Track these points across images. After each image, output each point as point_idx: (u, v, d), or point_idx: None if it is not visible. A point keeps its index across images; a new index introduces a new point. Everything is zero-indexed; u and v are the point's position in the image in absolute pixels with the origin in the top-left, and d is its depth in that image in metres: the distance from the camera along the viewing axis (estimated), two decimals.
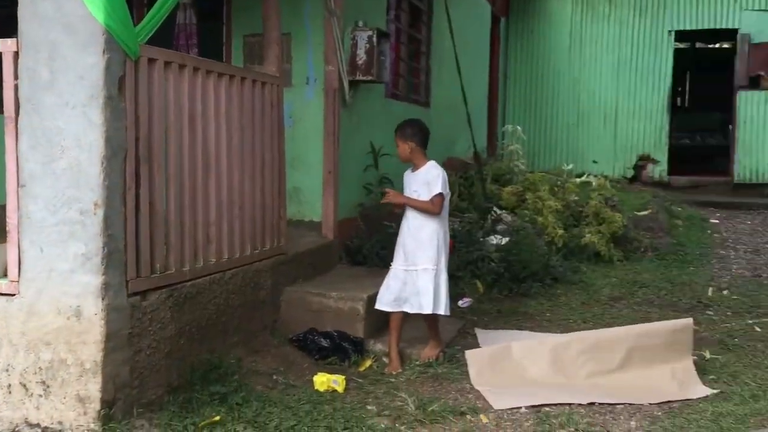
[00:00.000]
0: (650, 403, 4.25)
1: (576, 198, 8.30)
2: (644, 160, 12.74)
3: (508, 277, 6.41)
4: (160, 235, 3.80)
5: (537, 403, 4.17)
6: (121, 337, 3.47)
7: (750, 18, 12.03)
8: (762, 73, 12.00)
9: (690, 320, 4.83)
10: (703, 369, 4.72)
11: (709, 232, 9.50)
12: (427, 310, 4.72)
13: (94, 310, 3.35)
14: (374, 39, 5.99)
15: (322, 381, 4.31)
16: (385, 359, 4.85)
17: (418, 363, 4.78)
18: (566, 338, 4.84)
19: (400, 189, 5.01)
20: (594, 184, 8.55)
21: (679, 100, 16.63)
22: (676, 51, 12.92)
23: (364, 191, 6.42)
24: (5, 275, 3.51)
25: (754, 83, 12.09)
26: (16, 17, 3.41)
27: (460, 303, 6.03)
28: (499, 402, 4.19)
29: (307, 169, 6.04)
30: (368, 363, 4.78)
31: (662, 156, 12.71)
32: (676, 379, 4.49)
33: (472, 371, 4.57)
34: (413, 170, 4.89)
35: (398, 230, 4.99)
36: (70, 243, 3.35)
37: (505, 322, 5.84)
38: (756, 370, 4.72)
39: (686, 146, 14.22)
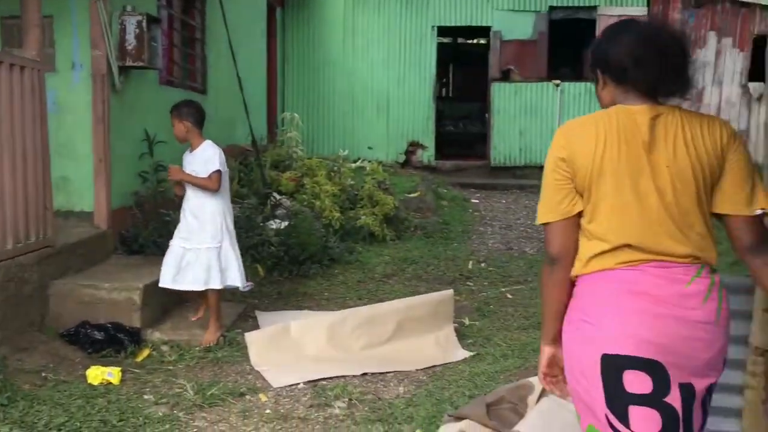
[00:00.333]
0: (417, 369, 4.50)
1: (352, 182, 8.53)
2: (414, 146, 13.33)
3: (287, 259, 6.45)
4: None
5: (314, 378, 4.26)
6: None
7: (501, 17, 12.96)
8: (512, 67, 13.01)
9: (450, 291, 5.17)
10: (462, 334, 5.07)
11: (470, 210, 10.15)
12: (210, 285, 4.74)
13: None
14: (144, 24, 5.73)
15: (96, 374, 4.10)
16: (163, 347, 4.70)
17: (198, 348, 4.69)
18: (342, 315, 4.97)
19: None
20: (368, 168, 8.82)
21: (444, 90, 17.56)
22: (440, 45, 13.63)
23: (139, 179, 6.14)
24: None
25: (505, 76, 13.07)
26: None
27: (241, 287, 5.94)
28: (277, 380, 4.22)
29: (76, 157, 5.68)
30: (146, 353, 4.61)
31: (430, 142, 13.36)
32: (440, 346, 4.79)
33: (252, 353, 4.57)
34: (191, 151, 4.84)
35: (176, 218, 4.93)
36: None
37: (285, 303, 5.89)
38: (506, 332, 5.15)
39: (451, 133, 15.06)
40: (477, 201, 10.90)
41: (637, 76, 2.01)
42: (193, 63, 8.11)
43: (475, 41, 17.13)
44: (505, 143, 13.03)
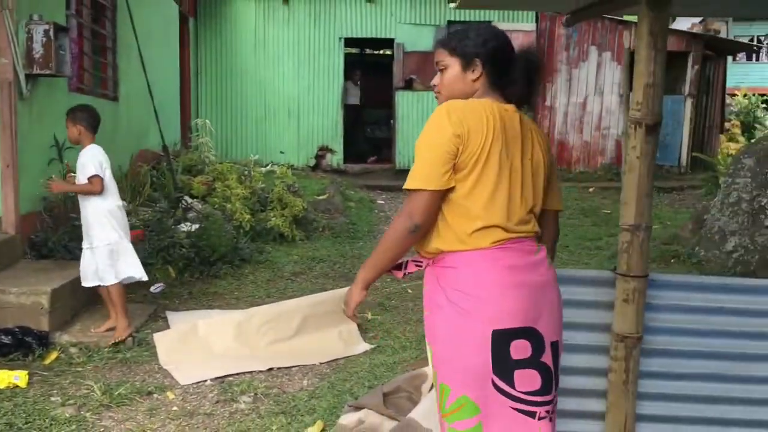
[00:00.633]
0: (321, 363, 4.50)
1: (262, 186, 8.43)
2: (323, 150, 13.30)
3: (198, 261, 6.31)
4: None
5: (221, 375, 4.20)
6: None
7: (404, 30, 13.10)
8: (414, 76, 13.16)
9: None
10: (365, 328, 5.10)
11: (376, 211, 10.21)
12: (105, 282, 4.68)
13: None
14: (51, 33, 5.50)
15: (2, 378, 3.92)
16: (72, 349, 4.52)
17: (107, 349, 4.54)
18: (248, 313, 4.91)
19: None
20: (278, 172, 8.74)
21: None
22: (349, 55, 13.64)
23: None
24: None
25: (408, 85, 13.21)
26: None
27: (152, 289, 5.81)
28: (185, 378, 4.14)
29: None
30: (54, 355, 4.42)
31: (338, 146, 13.36)
32: (342, 339, 4.80)
33: (161, 352, 4.46)
34: None
35: None
36: None
37: (196, 303, 5.76)
38: (406, 326, 5.21)
39: (360, 139, 15.11)
40: (382, 202, 10.98)
41: (517, 84, 2.18)
42: (105, 71, 7.84)
43: (381, 52, 17.24)
44: (408, 148, 13.14)
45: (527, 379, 2.07)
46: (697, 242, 7.38)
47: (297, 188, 8.73)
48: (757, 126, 20.42)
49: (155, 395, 3.91)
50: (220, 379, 4.14)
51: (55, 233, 5.67)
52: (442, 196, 2.06)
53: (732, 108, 20.92)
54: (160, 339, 4.53)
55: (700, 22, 17.27)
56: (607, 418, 2.78)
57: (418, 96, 13.17)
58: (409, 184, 2.06)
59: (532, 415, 2.08)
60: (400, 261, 2.23)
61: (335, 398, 3.87)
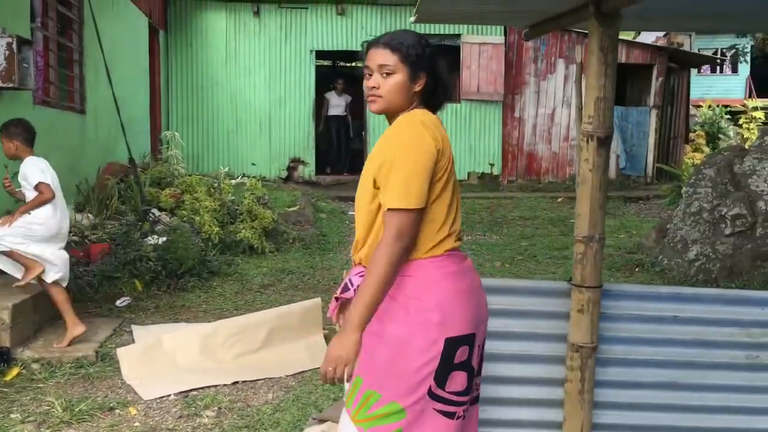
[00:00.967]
0: (287, 375, 4.46)
1: (232, 198, 8.37)
2: (295, 162, 13.28)
3: (165, 274, 6.24)
4: None
5: (185, 389, 4.15)
6: None
7: None
8: None
9: (318, 299, 5.15)
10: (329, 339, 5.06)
11: (347, 222, 10.18)
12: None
13: None
14: (14, 46, 5.43)
15: None
16: (34, 365, 4.44)
17: (69, 365, 4.46)
18: (215, 325, 4.86)
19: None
20: (248, 184, 8.68)
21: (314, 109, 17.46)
22: (322, 67, 13.65)
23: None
24: None
25: None
26: None
27: (118, 302, 5.75)
28: (148, 393, 4.08)
29: None
30: (15, 371, 4.33)
31: (310, 158, 13.34)
32: (309, 351, 4.76)
33: (124, 367, 4.40)
34: None
35: None
36: None
37: (162, 316, 5.69)
38: None
39: (332, 149, 15.02)
40: (354, 213, 10.94)
41: (446, 98, 2.22)
42: (72, 84, 7.75)
43: (353, 64, 17.26)
44: None
45: (457, 381, 2.08)
46: (660, 251, 7.47)
47: (267, 200, 8.69)
48: (721, 136, 20.79)
49: (117, 411, 3.85)
50: (184, 394, 4.09)
51: None
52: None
53: (697, 119, 21.29)
54: (123, 354, 4.47)
55: (665, 36, 17.57)
56: (564, 427, 2.80)
57: None
58: (396, 203, 1.99)
59: (451, 415, 2.08)
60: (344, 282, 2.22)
61: (300, 411, 3.84)
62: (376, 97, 2.12)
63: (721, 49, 25.66)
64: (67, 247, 5.77)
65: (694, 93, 19.71)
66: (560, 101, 13.79)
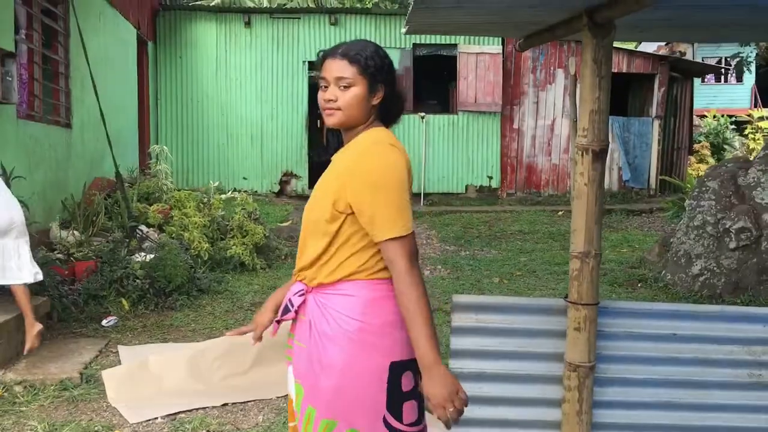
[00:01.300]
0: (277, 396, 4.44)
1: (222, 213, 8.39)
2: (288, 175, 13.30)
3: (153, 292, 6.23)
4: None
5: (173, 412, 4.13)
6: None
7: None
8: None
9: None
10: None
11: None
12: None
13: None
14: None
15: None
16: (16, 388, 4.42)
17: (53, 387, 4.45)
18: (202, 346, 4.85)
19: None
20: (238, 199, 8.71)
21: (319, 122, 17.60)
22: (312, 79, 13.71)
23: None
24: None
25: None
26: None
27: (104, 322, 5.74)
28: (135, 416, 4.07)
29: None
30: None
31: (303, 171, 13.38)
32: None
33: (110, 389, 4.38)
34: None
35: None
36: None
37: (150, 336, 5.68)
38: None
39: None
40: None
41: (402, 112, 2.23)
42: (57, 97, 7.79)
43: None
44: None
45: (410, 411, 2.07)
46: (663, 266, 7.49)
47: (259, 215, 8.70)
48: (727, 147, 20.90)
49: None
50: (172, 417, 4.08)
51: None
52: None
53: (701, 129, 21.40)
54: (109, 376, 4.46)
55: (666, 45, 17.70)
56: None
57: None
58: (396, 232, 1.98)
59: None
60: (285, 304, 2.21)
61: None
62: (334, 110, 2.08)
63: (725, 57, 25.81)
64: (52, 265, 5.81)
65: (698, 103, 19.84)
66: (560, 112, 13.86)
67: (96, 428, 3.89)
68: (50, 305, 5.42)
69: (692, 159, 17.69)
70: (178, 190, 8.82)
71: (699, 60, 21.37)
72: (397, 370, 2.03)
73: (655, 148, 14.07)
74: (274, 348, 4.82)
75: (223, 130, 13.07)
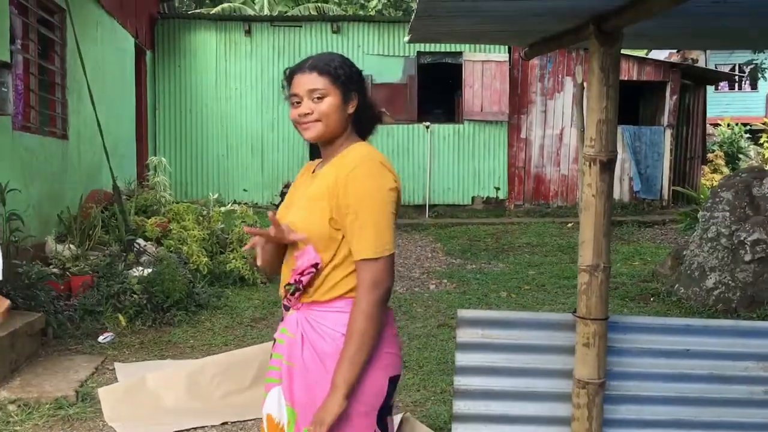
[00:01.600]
0: None
1: (221, 226, 8.41)
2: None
3: (150, 307, 6.25)
4: None
5: (171, 431, 4.14)
6: None
7: (372, 61, 13.29)
8: (383, 109, 13.29)
9: None
10: None
11: None
12: None
13: None
14: None
15: None
16: (10, 407, 4.43)
17: (48, 405, 4.46)
18: (202, 362, 4.85)
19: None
20: (238, 212, 8.74)
21: None
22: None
23: None
24: None
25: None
26: None
27: (100, 339, 5.75)
28: None
29: None
30: None
31: None
32: None
33: (106, 408, 4.38)
34: None
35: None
36: None
37: (147, 353, 5.69)
38: None
39: None
40: None
41: (378, 122, 2.27)
42: (53, 108, 7.84)
43: None
44: None
45: (391, 424, 2.15)
46: (676, 279, 7.48)
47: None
48: (741, 157, 20.89)
49: None
50: None
51: None
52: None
53: (715, 138, 21.41)
54: (105, 393, 4.46)
55: (678, 52, 17.73)
56: None
57: (387, 129, 13.30)
58: (374, 253, 2.00)
59: None
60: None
61: None
62: (311, 122, 2.10)
63: (739, 64, 25.87)
64: (48, 280, 5.84)
65: (712, 111, 19.85)
66: (569, 121, 13.88)
67: None
68: (45, 321, 5.43)
69: (706, 169, 17.69)
70: (177, 203, 8.86)
71: (712, 67, 21.41)
72: (391, 385, 2.09)
73: (667, 157, 14.08)
74: None
75: (223, 141, 13.13)
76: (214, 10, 20.66)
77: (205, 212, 8.45)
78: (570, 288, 7.92)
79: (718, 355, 2.86)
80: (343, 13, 20.80)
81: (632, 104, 14.70)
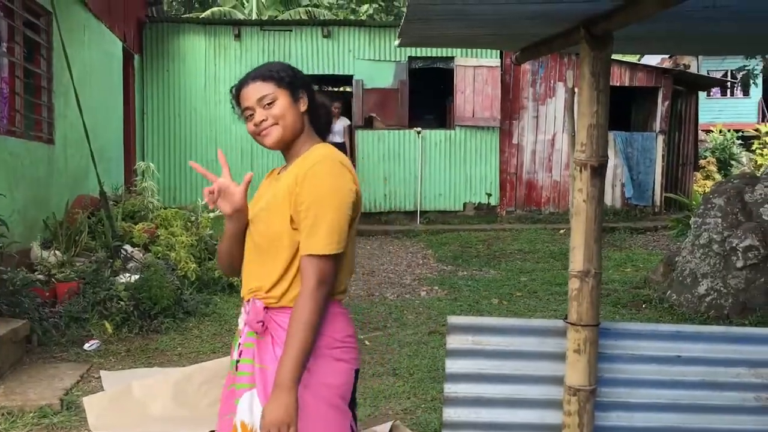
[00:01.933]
0: None
1: (211, 232, 8.39)
2: None
3: (137, 314, 6.22)
4: None
5: None
6: None
7: (362, 66, 13.31)
8: (374, 114, 13.31)
9: None
10: None
11: None
12: None
13: None
14: None
15: None
16: None
17: (32, 414, 4.43)
18: (188, 371, 4.83)
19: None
20: None
21: None
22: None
23: None
24: None
25: (369, 123, 13.35)
26: None
27: (86, 346, 5.71)
28: None
29: None
30: None
31: None
32: None
33: (91, 417, 4.35)
34: None
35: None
36: None
37: (134, 361, 5.66)
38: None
39: None
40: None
41: (330, 119, 2.36)
42: (39, 112, 7.81)
43: (340, 89, 17.44)
44: (370, 189, 13.22)
45: (354, 420, 2.19)
46: (668, 286, 7.51)
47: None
48: (734, 163, 21.00)
49: None
50: None
51: None
52: None
53: (707, 144, 21.52)
54: (90, 402, 4.43)
55: (670, 57, 17.84)
56: None
57: (379, 134, 13.32)
58: (321, 250, 2.02)
59: None
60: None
61: None
62: (269, 127, 2.15)
63: (731, 70, 26.04)
64: (33, 286, 5.80)
65: (704, 117, 19.97)
66: (561, 126, 13.92)
67: None
68: (30, 328, 5.40)
69: (698, 175, 17.77)
70: (165, 209, 8.83)
71: (704, 73, 21.55)
72: (355, 378, 2.18)
73: (659, 163, 14.14)
74: None
75: (212, 146, 13.09)
76: (203, 15, 20.65)
77: (193, 218, 8.43)
78: (562, 295, 7.93)
79: (709, 361, 2.87)
80: (334, 17, 20.84)
81: (624, 110, 14.76)
